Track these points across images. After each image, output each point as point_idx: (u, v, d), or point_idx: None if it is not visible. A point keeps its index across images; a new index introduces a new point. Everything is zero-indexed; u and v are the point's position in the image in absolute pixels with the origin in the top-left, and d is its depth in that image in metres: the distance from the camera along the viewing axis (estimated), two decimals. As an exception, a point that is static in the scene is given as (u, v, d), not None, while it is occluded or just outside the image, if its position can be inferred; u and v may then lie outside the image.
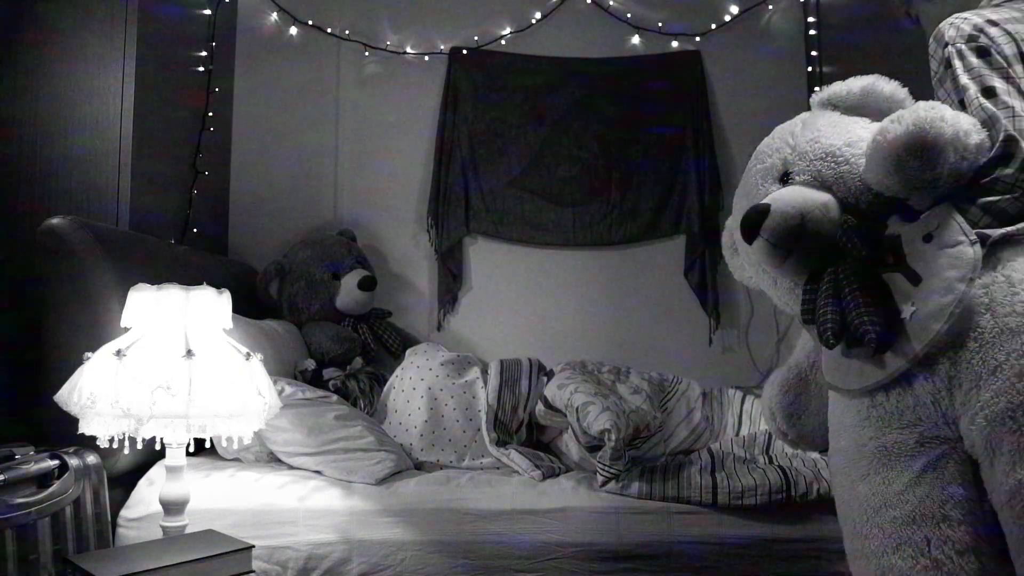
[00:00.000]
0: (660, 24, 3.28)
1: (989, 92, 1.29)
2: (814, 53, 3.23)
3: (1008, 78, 1.29)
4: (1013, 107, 1.26)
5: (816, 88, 3.22)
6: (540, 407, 2.24)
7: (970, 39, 1.33)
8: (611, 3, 3.30)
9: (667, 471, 1.99)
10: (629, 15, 3.29)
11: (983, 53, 1.32)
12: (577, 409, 2.07)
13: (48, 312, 1.87)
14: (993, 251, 1.23)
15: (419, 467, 2.24)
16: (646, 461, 2.08)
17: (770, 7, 3.29)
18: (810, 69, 3.25)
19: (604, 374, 2.40)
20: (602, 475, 1.96)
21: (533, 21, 3.28)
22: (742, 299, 3.21)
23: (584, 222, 3.22)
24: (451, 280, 3.20)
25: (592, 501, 1.92)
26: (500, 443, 2.25)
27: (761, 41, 3.29)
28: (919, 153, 1.22)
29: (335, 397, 2.24)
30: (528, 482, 2.04)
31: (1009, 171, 1.23)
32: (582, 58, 3.27)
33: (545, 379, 2.38)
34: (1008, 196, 1.23)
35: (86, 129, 2.29)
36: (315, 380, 2.50)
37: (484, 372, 2.43)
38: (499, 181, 3.22)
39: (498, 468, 2.19)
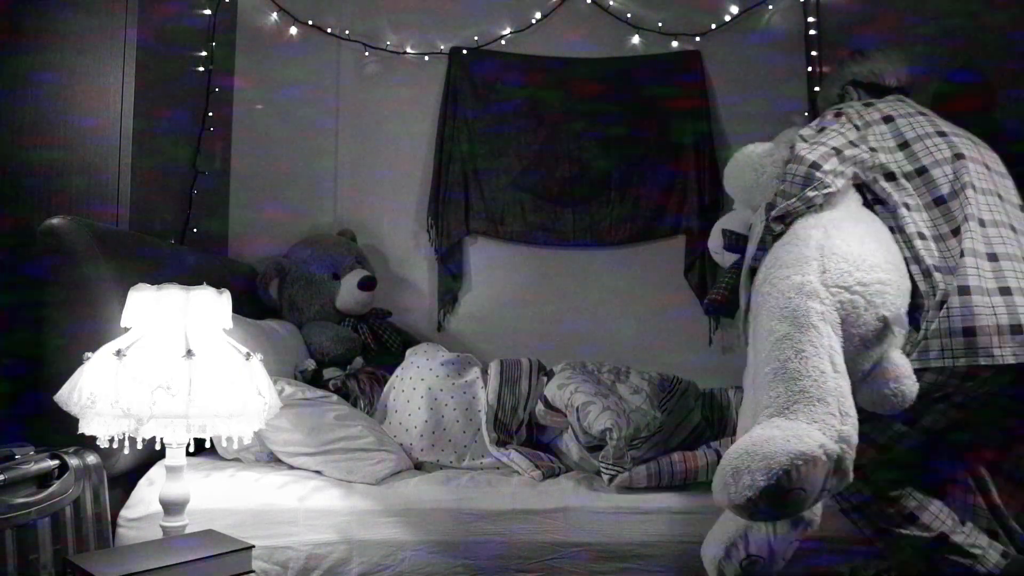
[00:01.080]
0: (660, 24, 3.28)
1: (822, 130, 1.80)
2: (814, 53, 3.23)
3: (847, 131, 1.78)
4: (828, 143, 1.75)
5: (816, 88, 3.26)
6: (540, 407, 2.24)
7: (833, 106, 1.92)
8: (611, 3, 3.30)
9: (672, 462, 2.01)
10: (629, 15, 3.29)
11: (839, 115, 1.84)
12: (577, 409, 2.07)
13: (48, 312, 1.87)
14: (790, 224, 1.72)
15: (419, 467, 2.24)
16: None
17: (770, 7, 3.29)
18: (810, 69, 3.25)
19: (604, 374, 2.40)
20: (607, 473, 1.97)
21: (533, 21, 3.29)
22: (742, 299, 3.21)
23: (584, 222, 3.22)
24: (451, 280, 3.20)
25: (592, 501, 1.92)
26: (500, 443, 2.25)
27: (761, 41, 3.28)
28: (733, 174, 1.93)
29: (335, 397, 2.24)
30: (528, 482, 2.04)
31: (791, 166, 1.73)
32: (582, 58, 3.27)
33: (545, 379, 2.37)
34: (787, 181, 1.72)
35: (86, 129, 2.29)
36: (315, 380, 2.49)
37: (484, 372, 2.43)
38: (499, 181, 3.22)
39: (498, 468, 2.19)
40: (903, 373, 1.52)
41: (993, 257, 1.59)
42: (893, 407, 1.53)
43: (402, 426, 2.29)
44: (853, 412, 1.44)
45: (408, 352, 2.58)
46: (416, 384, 2.35)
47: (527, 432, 2.34)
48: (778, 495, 1.31)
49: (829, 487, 1.39)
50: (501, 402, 2.31)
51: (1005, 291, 1.54)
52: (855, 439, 1.41)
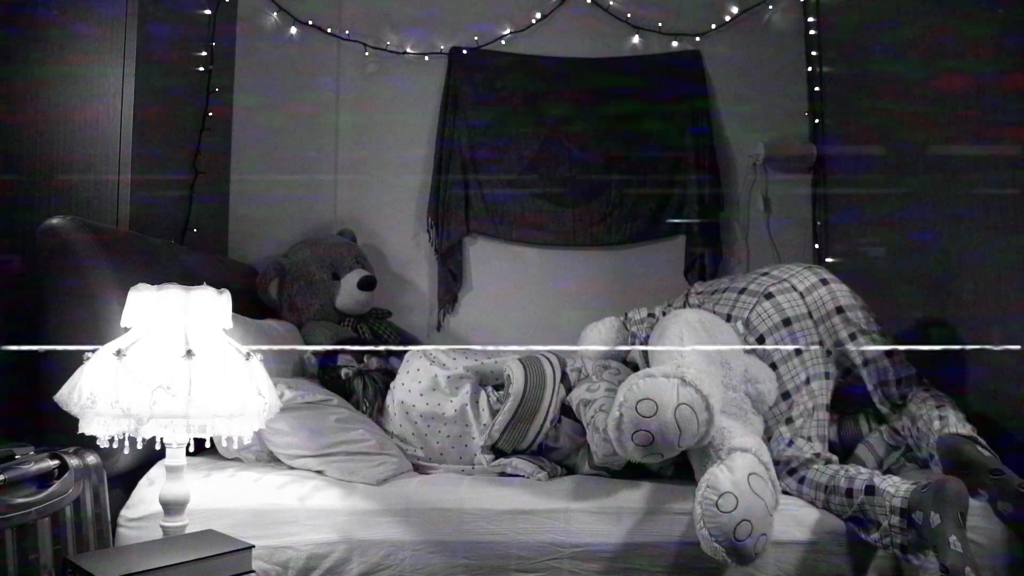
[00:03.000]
0: (660, 24, 3.28)
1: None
2: (814, 53, 3.24)
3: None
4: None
5: (816, 88, 3.25)
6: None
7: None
8: (611, 3, 3.30)
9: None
10: (629, 15, 3.29)
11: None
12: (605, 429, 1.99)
13: (48, 312, 1.87)
14: None
15: (419, 470, 2.23)
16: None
17: (770, 7, 3.29)
18: (810, 69, 3.25)
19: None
20: None
21: (533, 21, 3.29)
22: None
23: (584, 222, 3.23)
24: (451, 280, 3.20)
25: (593, 501, 1.92)
26: (499, 454, 2.19)
27: (761, 41, 3.29)
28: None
29: (336, 400, 2.23)
30: (528, 482, 2.03)
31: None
32: (582, 58, 3.27)
33: (564, 391, 2.28)
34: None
35: (86, 129, 2.29)
36: (328, 364, 2.48)
37: (479, 373, 2.35)
38: (499, 181, 3.22)
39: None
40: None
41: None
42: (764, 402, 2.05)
43: (401, 430, 2.28)
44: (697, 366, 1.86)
45: (407, 355, 2.54)
46: (411, 388, 2.30)
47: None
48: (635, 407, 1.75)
49: (686, 399, 1.73)
50: (505, 437, 2.18)
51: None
52: (692, 370, 1.79)
